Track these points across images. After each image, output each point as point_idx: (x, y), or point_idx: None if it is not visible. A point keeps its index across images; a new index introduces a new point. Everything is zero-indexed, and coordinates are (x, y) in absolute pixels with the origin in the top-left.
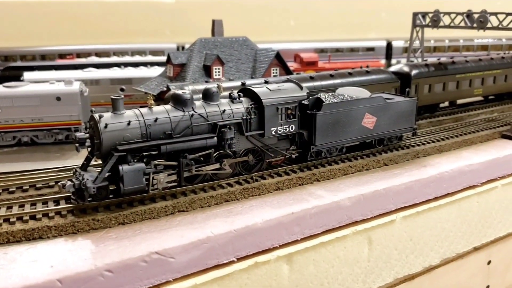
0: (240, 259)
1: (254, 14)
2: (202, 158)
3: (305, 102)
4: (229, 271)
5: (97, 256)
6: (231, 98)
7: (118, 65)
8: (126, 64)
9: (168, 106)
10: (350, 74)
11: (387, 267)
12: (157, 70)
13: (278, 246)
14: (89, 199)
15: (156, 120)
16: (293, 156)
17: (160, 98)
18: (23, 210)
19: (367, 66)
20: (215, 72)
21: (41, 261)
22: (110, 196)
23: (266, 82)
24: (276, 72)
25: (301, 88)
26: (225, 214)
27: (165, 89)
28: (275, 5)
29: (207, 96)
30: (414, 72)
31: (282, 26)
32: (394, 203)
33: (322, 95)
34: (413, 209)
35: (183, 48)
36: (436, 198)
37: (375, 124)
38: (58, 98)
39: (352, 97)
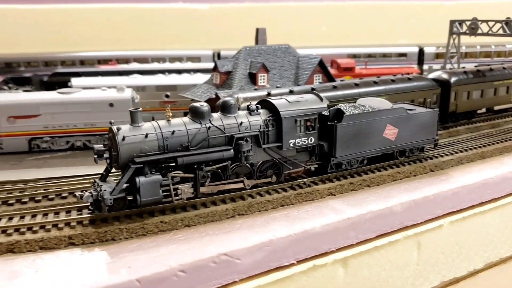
0: (299, 262)
1: (284, 20)
2: (219, 171)
3: (325, 113)
4: (289, 273)
5: (170, 257)
6: (249, 110)
7: (162, 71)
8: (170, 71)
9: (186, 119)
10: (393, 81)
11: (434, 270)
12: (199, 77)
13: (334, 250)
14: (107, 209)
15: (173, 132)
16: (312, 168)
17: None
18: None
19: (408, 73)
20: (260, 79)
21: (119, 262)
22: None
23: (291, 92)
24: (319, 79)
25: (321, 99)
26: (283, 218)
27: (213, 96)
28: (306, 10)
29: (225, 108)
30: (453, 79)
31: (313, 32)
32: (442, 209)
33: (343, 106)
34: (459, 214)
35: (218, 54)
36: (481, 204)
37: (397, 135)
38: (111, 104)
39: (374, 108)
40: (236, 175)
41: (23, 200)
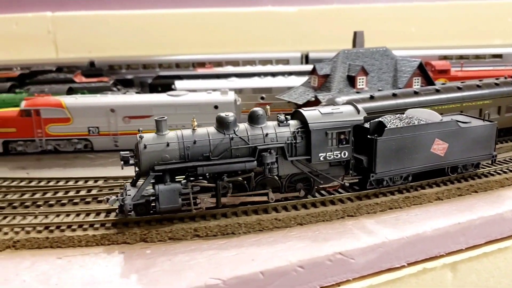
0: (410, 264)
1: (372, 21)
2: (245, 182)
3: (366, 125)
4: (400, 275)
5: (288, 252)
6: (278, 121)
7: (258, 74)
8: (266, 74)
9: (211, 128)
10: (496, 85)
11: None
12: (293, 80)
13: (444, 254)
14: (130, 213)
15: (195, 142)
16: (347, 184)
17: (305, 107)
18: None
19: (511, 76)
20: (359, 82)
21: (243, 254)
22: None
23: (394, 95)
24: (418, 82)
25: (358, 111)
26: (392, 221)
27: (312, 99)
28: (394, 11)
29: (252, 118)
30: None
31: (401, 33)
32: None
33: (387, 118)
34: None
35: (306, 56)
36: None
37: (447, 150)
38: (216, 107)
39: (420, 120)
40: (263, 186)
41: None
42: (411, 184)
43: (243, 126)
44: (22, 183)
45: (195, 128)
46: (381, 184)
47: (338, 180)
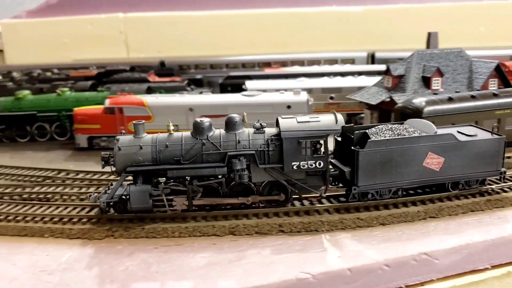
0: (494, 267)
1: (439, 20)
2: (217, 186)
3: (338, 136)
4: (483, 277)
5: (373, 251)
6: (255, 128)
7: (325, 74)
8: (333, 74)
9: (186, 133)
10: None
11: None
12: (363, 80)
13: None
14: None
15: (167, 146)
16: (323, 195)
17: (378, 107)
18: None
19: None
20: (434, 83)
21: (329, 251)
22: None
23: (472, 97)
24: (494, 84)
25: (336, 121)
26: (475, 224)
27: (387, 99)
28: (462, 10)
29: (227, 125)
30: None
31: (469, 32)
32: None
33: (373, 130)
34: None
35: (372, 56)
36: None
37: (443, 165)
38: (289, 106)
39: (415, 132)
40: (237, 192)
41: None
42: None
43: (218, 132)
44: (111, 177)
45: (172, 132)
46: (365, 197)
47: (316, 190)
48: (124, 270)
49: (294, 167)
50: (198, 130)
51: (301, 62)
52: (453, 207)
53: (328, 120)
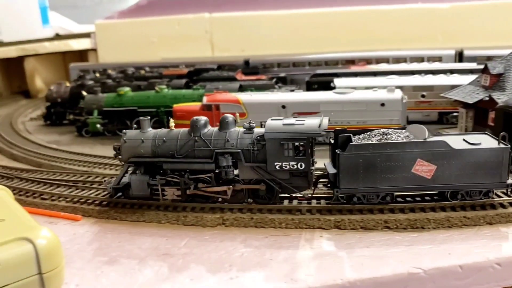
0: None
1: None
2: (209, 179)
3: (320, 139)
4: None
5: (483, 249)
6: (245, 128)
7: (418, 72)
8: (427, 72)
9: (183, 130)
10: None
11: None
12: (456, 78)
13: None
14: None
15: (164, 141)
16: (305, 197)
17: (474, 106)
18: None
19: None
20: None
21: (438, 248)
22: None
23: None
24: None
25: (319, 125)
26: None
27: (486, 98)
28: None
29: (220, 123)
30: None
31: None
32: None
33: (362, 135)
34: None
35: (460, 54)
36: None
37: (435, 173)
38: (382, 104)
39: (408, 137)
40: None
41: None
42: None
43: (211, 130)
44: None
45: (172, 128)
46: (351, 200)
47: (300, 191)
48: (240, 256)
49: (277, 167)
50: (193, 127)
51: (385, 60)
52: None
53: (312, 124)
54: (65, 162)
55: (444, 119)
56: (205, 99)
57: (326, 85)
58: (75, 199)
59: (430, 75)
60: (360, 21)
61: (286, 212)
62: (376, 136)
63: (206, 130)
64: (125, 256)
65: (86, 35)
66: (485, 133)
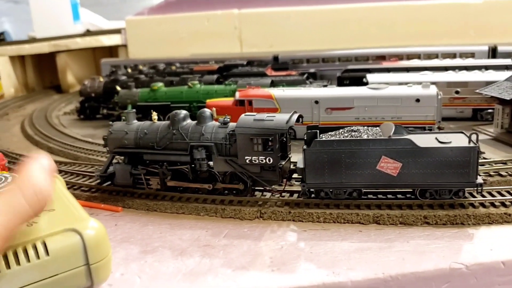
0: None
1: None
2: (186, 171)
3: (284, 135)
4: None
5: None
6: (221, 123)
7: (452, 68)
8: (461, 68)
9: (164, 123)
10: None
11: None
12: (491, 75)
13: None
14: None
15: (146, 133)
16: (274, 191)
17: (510, 102)
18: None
19: None
20: None
21: (479, 244)
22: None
23: None
24: None
25: (287, 122)
26: None
27: None
28: None
29: (198, 118)
30: None
31: None
32: None
33: (332, 133)
34: None
35: (494, 50)
36: None
37: (400, 170)
38: (417, 100)
39: (374, 135)
40: (203, 179)
41: None
42: None
43: (189, 124)
44: None
45: (155, 121)
46: (318, 195)
47: (270, 185)
48: (280, 249)
49: (247, 161)
50: (172, 121)
51: (417, 56)
52: None
53: (280, 120)
54: (102, 155)
55: (479, 116)
56: (238, 95)
57: (358, 81)
58: (114, 192)
59: (464, 71)
60: (390, 17)
61: (324, 206)
62: (346, 133)
63: (184, 123)
64: (167, 247)
65: (117, 31)
66: (462, 132)
